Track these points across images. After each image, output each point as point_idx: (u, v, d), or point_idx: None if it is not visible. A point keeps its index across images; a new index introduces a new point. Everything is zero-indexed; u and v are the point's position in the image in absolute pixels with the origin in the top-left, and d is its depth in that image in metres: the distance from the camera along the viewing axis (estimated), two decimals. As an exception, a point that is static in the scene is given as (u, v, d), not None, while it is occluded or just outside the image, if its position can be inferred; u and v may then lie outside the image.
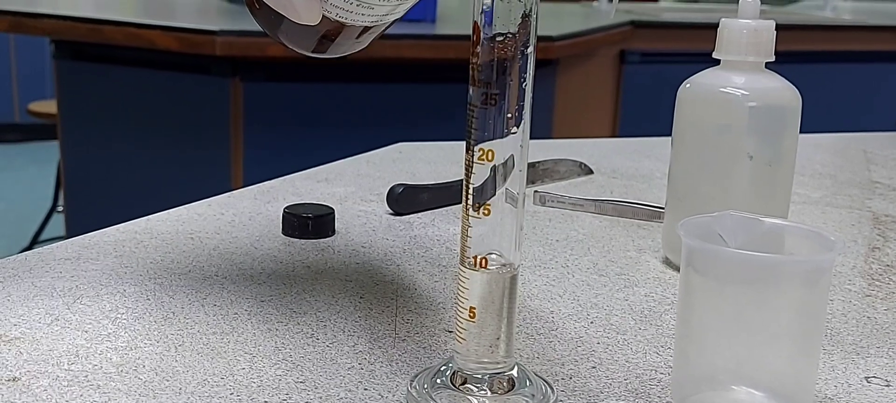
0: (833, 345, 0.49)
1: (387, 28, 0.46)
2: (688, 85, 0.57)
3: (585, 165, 0.85)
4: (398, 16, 0.45)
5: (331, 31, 0.44)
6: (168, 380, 0.41)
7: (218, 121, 1.62)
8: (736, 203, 0.54)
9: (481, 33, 0.37)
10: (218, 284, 0.53)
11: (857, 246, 0.66)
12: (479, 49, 0.37)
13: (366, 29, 0.45)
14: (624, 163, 0.90)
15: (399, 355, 0.45)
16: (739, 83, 0.55)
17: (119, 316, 0.48)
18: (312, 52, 0.47)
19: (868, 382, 0.45)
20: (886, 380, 0.45)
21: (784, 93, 0.55)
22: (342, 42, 0.45)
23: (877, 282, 0.59)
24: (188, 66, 1.61)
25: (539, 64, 1.81)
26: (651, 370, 0.45)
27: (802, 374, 0.40)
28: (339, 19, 0.42)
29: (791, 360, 0.40)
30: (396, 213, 0.69)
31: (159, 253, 0.58)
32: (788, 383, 0.40)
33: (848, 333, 0.50)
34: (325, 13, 0.42)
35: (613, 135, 2.09)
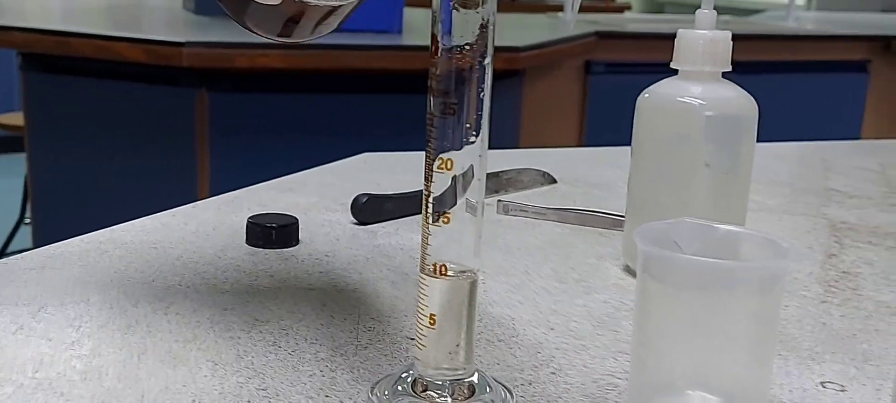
0: (789, 351, 0.50)
1: (353, 11, 0.46)
2: (646, 94, 0.58)
3: (549, 174, 0.86)
4: None
5: (295, 12, 0.44)
6: (131, 387, 0.42)
7: (185, 132, 1.61)
8: (694, 211, 0.55)
9: (440, 44, 0.37)
10: (181, 293, 0.53)
11: (813, 253, 0.67)
12: (437, 60, 0.37)
13: (331, 11, 0.45)
14: (586, 172, 0.91)
15: (361, 362, 0.45)
16: (696, 93, 0.56)
17: (83, 324, 0.48)
18: (278, 35, 0.47)
19: (823, 387, 0.46)
20: (841, 385, 0.46)
21: (740, 103, 0.56)
22: (306, 24, 0.45)
23: (833, 289, 0.60)
24: (155, 77, 1.61)
25: (505, 74, 1.83)
26: (608, 375, 0.46)
27: (757, 379, 0.41)
28: None
29: (746, 365, 0.41)
30: (360, 223, 0.69)
31: (123, 262, 0.58)
32: (744, 388, 0.41)
33: (804, 339, 0.51)
34: None
35: (580, 145, 2.11)
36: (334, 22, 0.46)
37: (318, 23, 0.46)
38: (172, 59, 1.53)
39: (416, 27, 1.96)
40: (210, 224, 0.67)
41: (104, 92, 1.69)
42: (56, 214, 1.79)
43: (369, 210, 0.70)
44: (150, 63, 1.56)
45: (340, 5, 0.44)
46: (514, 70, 1.80)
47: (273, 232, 0.63)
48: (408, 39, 1.81)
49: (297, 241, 0.64)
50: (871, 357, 0.49)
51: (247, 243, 0.63)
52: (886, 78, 2.46)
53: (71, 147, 1.75)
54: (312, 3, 0.43)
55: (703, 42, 0.56)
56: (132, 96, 1.67)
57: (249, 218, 0.64)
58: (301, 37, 0.47)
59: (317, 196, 0.77)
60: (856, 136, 2.39)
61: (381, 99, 1.70)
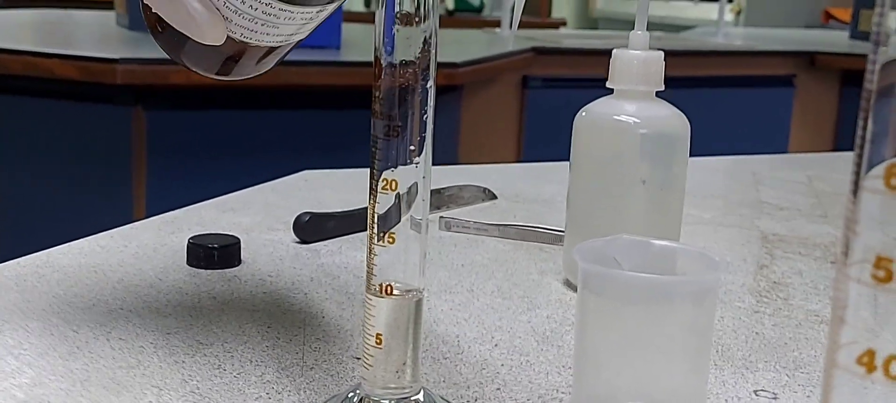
0: (723, 361, 0.51)
1: (291, 49, 0.47)
2: (583, 113, 0.60)
3: (489, 190, 0.87)
4: (303, 36, 0.45)
5: (235, 52, 0.44)
6: (72, 416, 0.41)
7: (120, 150, 1.59)
8: (631, 226, 0.56)
9: (383, 64, 0.38)
10: (123, 317, 0.53)
11: (746, 265, 0.70)
12: (380, 81, 0.38)
13: (271, 50, 0.45)
14: (526, 187, 0.92)
15: (307, 383, 0.46)
16: (631, 111, 0.57)
17: (23, 352, 0.47)
18: (216, 74, 0.47)
19: (757, 395, 0.47)
20: (773, 393, 0.47)
21: (673, 121, 0.58)
22: (246, 63, 0.45)
23: (765, 299, 0.62)
24: (88, 95, 1.58)
25: (444, 90, 1.84)
26: (553, 390, 0.47)
27: (694, 389, 0.42)
28: (244, 39, 0.43)
29: (683, 376, 0.42)
30: (303, 242, 0.69)
31: (62, 287, 0.57)
32: (681, 398, 0.42)
33: (738, 348, 0.53)
34: (229, 33, 0.42)
35: (518, 159, 2.13)
36: (273, 60, 0.46)
37: (259, 61, 0.46)
38: (106, 76, 1.51)
39: (355, 43, 1.97)
40: (150, 245, 0.67)
41: (35, 110, 1.65)
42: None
43: (312, 228, 0.70)
44: (82, 80, 1.53)
45: (281, 44, 0.45)
46: (452, 85, 1.81)
47: (215, 252, 0.62)
48: (347, 55, 1.81)
49: (239, 261, 0.64)
50: (802, 365, 0.51)
51: (188, 264, 0.63)
52: (812, 92, 2.53)
53: (1, 167, 1.70)
54: (253, 43, 0.43)
55: (637, 62, 0.57)
56: (64, 115, 1.63)
57: (190, 238, 0.63)
58: (240, 75, 0.47)
59: (259, 215, 0.76)
60: (783, 149, 2.45)
61: (321, 115, 1.70)
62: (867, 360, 0.23)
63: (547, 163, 1.05)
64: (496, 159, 2.05)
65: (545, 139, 2.06)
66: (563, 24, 5.02)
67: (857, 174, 0.25)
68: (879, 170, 0.24)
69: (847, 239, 0.25)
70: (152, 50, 1.76)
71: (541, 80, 2.18)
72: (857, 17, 3.05)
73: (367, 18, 2.26)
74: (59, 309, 0.53)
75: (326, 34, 1.81)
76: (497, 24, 2.93)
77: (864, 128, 0.24)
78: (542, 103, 2.17)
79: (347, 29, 1.96)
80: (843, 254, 0.25)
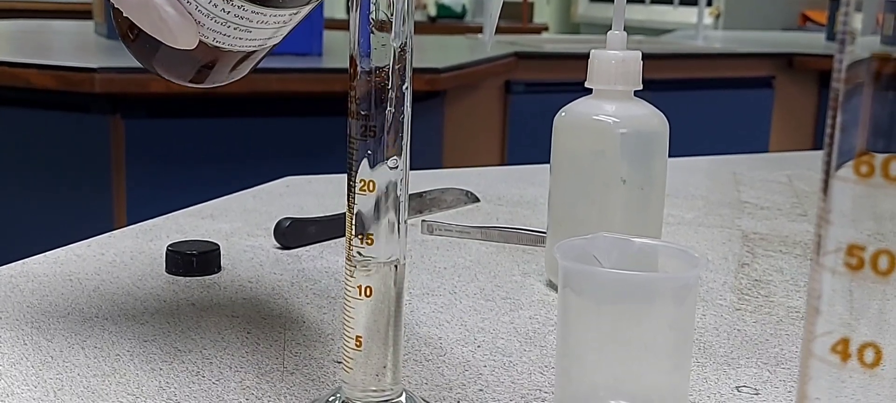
0: (706, 358, 0.51)
1: (266, 55, 0.46)
2: (563, 113, 0.60)
3: (472, 193, 0.86)
4: (277, 41, 0.45)
5: (209, 58, 0.43)
6: (47, 426, 0.40)
7: (99, 160, 1.58)
8: (612, 225, 0.56)
9: (358, 66, 0.37)
10: (99, 326, 0.52)
11: (727, 263, 0.70)
12: (356, 83, 0.38)
13: (245, 56, 0.45)
14: (509, 190, 0.92)
15: (287, 388, 0.45)
16: (610, 111, 0.57)
17: (-6, 362, 0.47)
18: (191, 81, 0.46)
19: (738, 391, 0.47)
20: (755, 389, 0.47)
21: (652, 120, 0.58)
22: (221, 69, 0.45)
23: (746, 296, 0.62)
24: (66, 104, 1.57)
25: (427, 95, 1.84)
26: (536, 390, 0.46)
27: (676, 386, 0.42)
28: (217, 45, 0.42)
29: (665, 373, 0.42)
30: (284, 247, 0.69)
31: (36, 296, 0.56)
32: (663, 395, 0.42)
33: (719, 345, 0.53)
34: (202, 38, 0.41)
35: (502, 163, 2.13)
36: (247, 67, 0.46)
37: (233, 68, 0.45)
38: (84, 86, 1.50)
39: (336, 49, 1.96)
40: (128, 253, 0.66)
41: (12, 121, 1.64)
42: (-36, 248, 1.72)
43: (293, 234, 0.69)
44: (60, 89, 1.52)
45: (254, 50, 0.44)
46: (435, 91, 1.81)
47: (194, 259, 0.62)
48: (328, 62, 1.80)
49: (219, 268, 0.63)
50: (783, 361, 0.51)
51: (167, 271, 0.62)
52: (791, 93, 2.55)
53: (-22, 178, 1.69)
54: (226, 49, 0.43)
55: (615, 62, 0.57)
56: (43, 124, 1.62)
57: (169, 245, 0.63)
58: (214, 82, 0.46)
59: (239, 221, 0.76)
60: (764, 149, 2.47)
61: (302, 122, 1.69)
62: (842, 349, 0.23)
63: (529, 165, 1.05)
64: (480, 164, 2.04)
65: (528, 143, 2.06)
66: (545, 29, 5.04)
67: (828, 168, 0.25)
68: (849, 161, 0.24)
69: (820, 230, 0.25)
70: (131, 59, 1.74)
71: (523, 85, 2.19)
72: (834, 19, 3.08)
73: (348, 25, 2.26)
74: (32, 319, 0.53)
75: (307, 41, 1.81)
76: (479, 30, 2.94)
77: (834, 124, 0.25)
78: (524, 107, 2.18)
79: (329, 36, 1.96)
80: (816, 246, 0.25)
